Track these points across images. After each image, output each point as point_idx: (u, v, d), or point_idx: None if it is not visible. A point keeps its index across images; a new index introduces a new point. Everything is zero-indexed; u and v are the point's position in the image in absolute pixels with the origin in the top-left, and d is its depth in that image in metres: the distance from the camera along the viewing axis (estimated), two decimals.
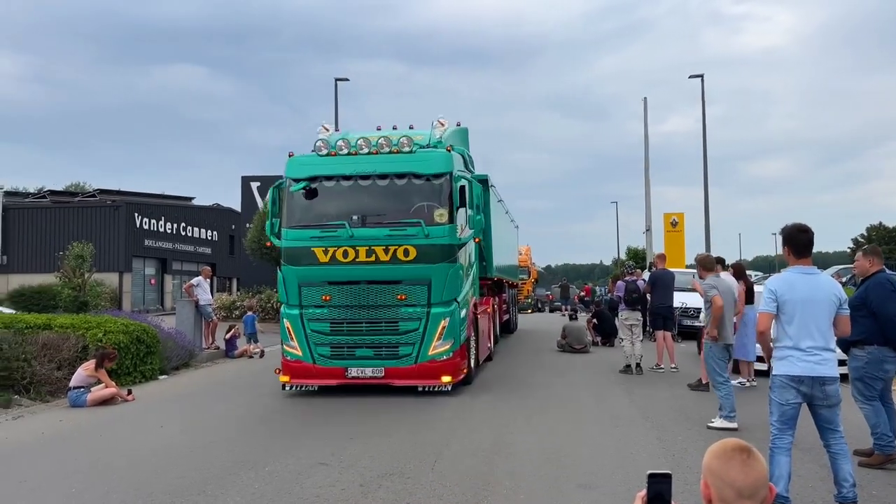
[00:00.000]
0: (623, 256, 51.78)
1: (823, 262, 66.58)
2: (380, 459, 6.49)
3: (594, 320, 17.84)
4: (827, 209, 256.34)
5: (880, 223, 63.74)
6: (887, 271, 6.72)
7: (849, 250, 57.01)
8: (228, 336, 15.86)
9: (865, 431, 7.14)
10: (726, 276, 9.54)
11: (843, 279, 29.12)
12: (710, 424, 7.62)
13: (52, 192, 43.10)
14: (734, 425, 7.52)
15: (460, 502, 5.31)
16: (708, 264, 8.97)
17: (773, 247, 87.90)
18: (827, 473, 5.90)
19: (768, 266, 68.53)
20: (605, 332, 17.11)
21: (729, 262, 12.65)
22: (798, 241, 5.07)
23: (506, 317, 18.63)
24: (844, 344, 6.46)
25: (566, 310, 31.50)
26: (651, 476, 2.05)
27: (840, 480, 4.88)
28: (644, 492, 2.06)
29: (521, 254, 37.51)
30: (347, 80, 32.17)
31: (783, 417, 4.93)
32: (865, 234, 64.15)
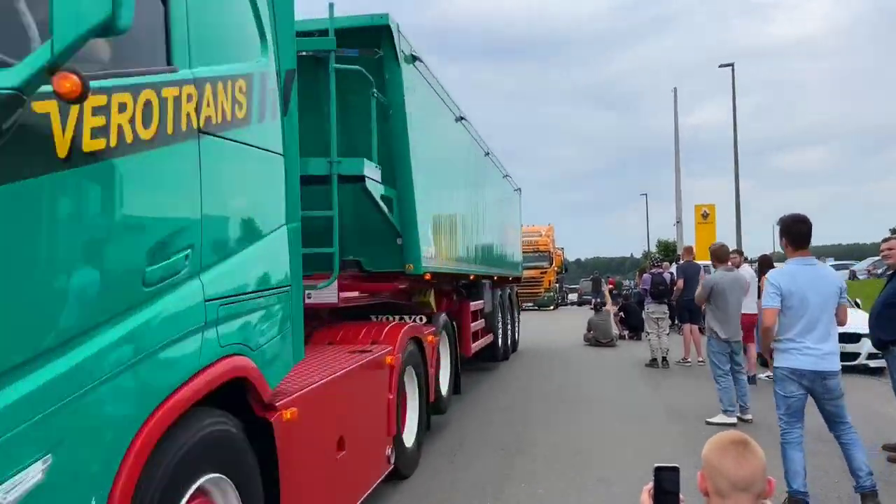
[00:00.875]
0: (654, 249, 51.26)
1: (861, 252, 65.16)
2: None
3: (621, 314, 17.70)
4: (863, 200, 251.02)
5: None
6: None
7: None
8: None
9: (894, 425, 7.01)
10: (745, 269, 9.35)
11: (879, 270, 28.56)
12: (710, 420, 7.51)
13: None
14: (733, 420, 7.42)
15: (479, 495, 5.32)
16: (721, 255, 8.45)
17: None
18: (822, 472, 5.80)
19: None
20: (633, 326, 16.96)
21: (756, 255, 12.39)
22: (796, 231, 4.97)
23: (489, 338, 11.19)
24: (880, 343, 6.21)
25: (596, 304, 31.16)
26: (658, 469, 2.04)
27: (855, 470, 4.80)
28: (651, 485, 2.05)
29: (540, 235, 33.39)
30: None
31: (790, 410, 4.87)
32: None
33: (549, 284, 33.48)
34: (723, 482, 1.98)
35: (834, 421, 4.91)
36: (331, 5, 5.31)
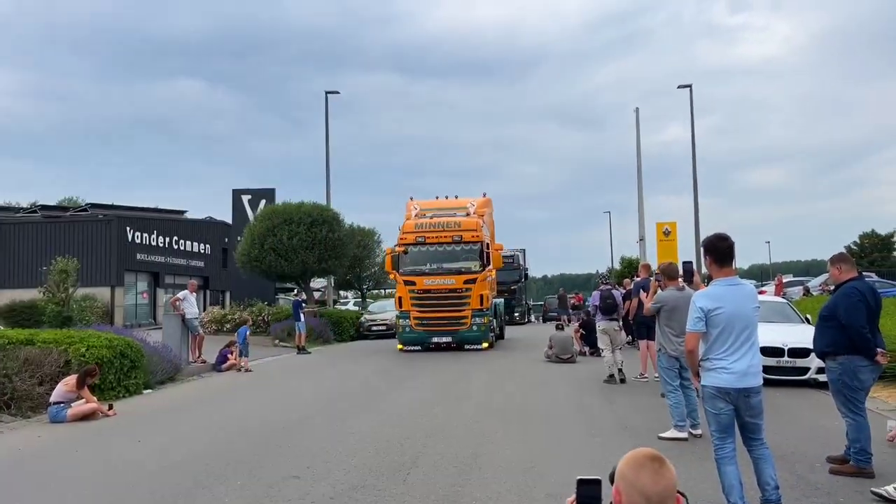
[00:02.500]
0: (617, 266, 51.83)
1: (819, 269, 66.81)
2: (353, 473, 6.49)
3: (581, 331, 17.84)
4: (822, 218, 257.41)
5: (872, 230, 63.97)
6: (864, 277, 6.65)
7: None
8: (224, 350, 15.86)
9: (840, 437, 7.18)
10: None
11: (831, 287, 29.27)
12: (661, 435, 7.61)
13: (44, 207, 43.11)
14: (684, 435, 7.53)
15: None
16: (671, 273, 8.47)
17: (766, 255, 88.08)
18: (796, 481, 5.97)
19: (762, 274, 68.61)
20: (593, 342, 17.09)
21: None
22: (719, 249, 5.08)
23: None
24: (820, 354, 6.46)
25: (563, 319, 31.40)
26: (580, 482, 2.05)
27: (763, 484, 4.93)
28: (573, 497, 2.07)
29: (467, 212, 19.90)
30: (338, 92, 32.44)
31: (720, 426, 4.96)
32: (858, 241, 64.35)
33: (486, 304, 18.79)
34: (637, 497, 2.01)
35: (749, 436, 5.02)
36: None
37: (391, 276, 20.37)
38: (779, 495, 4.90)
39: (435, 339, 18.68)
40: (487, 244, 19.32)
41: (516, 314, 35.17)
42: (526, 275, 38.40)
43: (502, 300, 25.98)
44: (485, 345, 18.83)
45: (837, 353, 6.17)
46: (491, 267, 19.57)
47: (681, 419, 7.67)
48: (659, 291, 8.74)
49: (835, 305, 6.31)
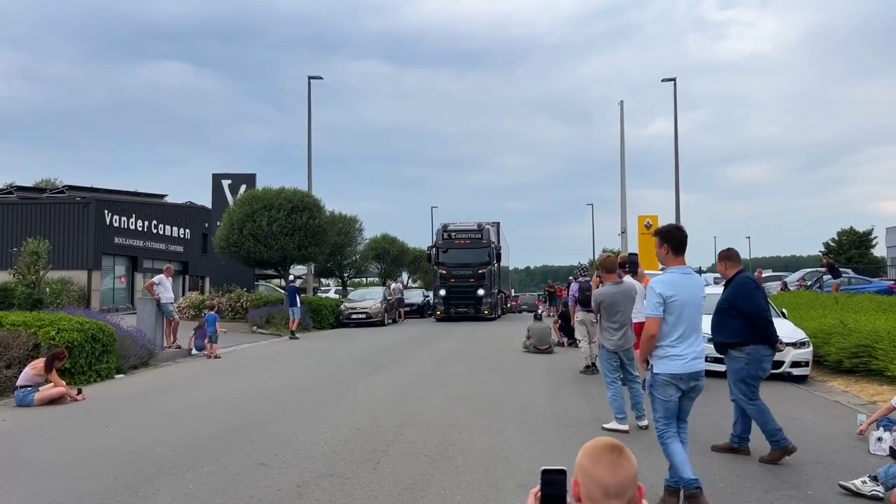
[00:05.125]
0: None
1: (797, 265, 67.45)
2: (322, 461, 6.41)
3: (560, 321, 17.86)
4: (804, 214, 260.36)
5: (851, 227, 64.69)
6: (746, 272, 6.81)
7: (820, 254, 57.76)
8: (198, 332, 15.76)
9: (720, 427, 7.28)
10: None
11: (808, 283, 29.58)
12: (605, 426, 7.62)
13: (20, 188, 42.36)
14: (624, 427, 7.52)
15: (396, 502, 5.25)
16: (608, 266, 8.20)
17: (747, 250, 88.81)
18: (765, 474, 5.97)
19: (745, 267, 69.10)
20: (571, 333, 17.12)
21: (705, 265, 12.60)
22: (677, 239, 5.21)
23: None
24: (721, 347, 6.58)
25: (552, 311, 31.32)
26: (545, 472, 2.00)
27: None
28: (537, 488, 2.01)
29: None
30: (321, 78, 32.15)
31: (667, 412, 5.12)
32: (836, 238, 65.07)
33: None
34: (595, 489, 1.96)
35: (681, 419, 5.22)
36: None
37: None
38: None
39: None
40: None
41: (483, 307, 29.53)
42: (499, 255, 31.33)
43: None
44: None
45: (745, 344, 6.33)
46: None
47: (619, 411, 7.66)
48: (597, 288, 8.68)
49: (733, 297, 6.48)
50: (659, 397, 5.11)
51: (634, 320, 8.08)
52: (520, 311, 42.48)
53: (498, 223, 33.87)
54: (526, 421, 8.20)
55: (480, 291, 29.57)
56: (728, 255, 6.78)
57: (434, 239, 32.67)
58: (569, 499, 2.02)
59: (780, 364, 11.16)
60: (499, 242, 32.69)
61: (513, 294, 50.14)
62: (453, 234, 30.54)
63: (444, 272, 29.97)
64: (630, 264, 9.49)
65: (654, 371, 5.14)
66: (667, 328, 5.05)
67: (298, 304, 21.18)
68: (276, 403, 9.48)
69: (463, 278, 29.63)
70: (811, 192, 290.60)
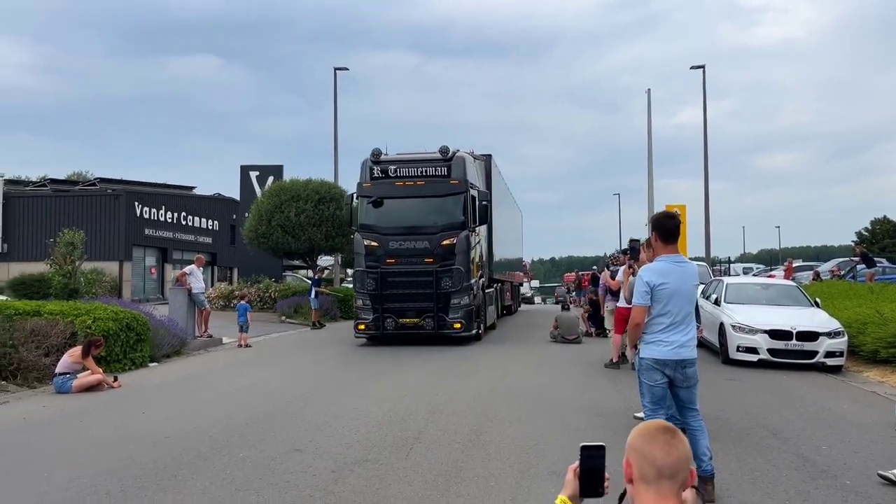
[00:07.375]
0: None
1: (828, 254, 66.35)
2: (356, 447, 6.47)
3: (590, 309, 17.79)
4: (835, 203, 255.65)
5: (885, 217, 63.36)
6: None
7: (852, 243, 56.73)
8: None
9: (847, 420, 7.12)
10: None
11: (842, 272, 29.09)
12: (636, 415, 7.55)
13: (53, 181, 43.14)
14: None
15: (430, 489, 5.29)
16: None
17: (776, 240, 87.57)
18: (802, 463, 5.91)
19: (771, 259, 68.26)
20: (600, 323, 17.06)
21: (725, 255, 12.51)
22: (666, 227, 5.17)
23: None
24: None
25: (580, 301, 31.13)
26: (584, 448, 2.05)
27: (699, 455, 4.98)
28: (577, 464, 2.05)
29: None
30: (347, 69, 32.14)
31: (654, 398, 5.13)
32: (869, 227, 63.84)
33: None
34: (649, 469, 1.96)
35: (685, 407, 5.18)
36: None
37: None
38: (713, 466, 5.02)
39: None
40: None
41: (452, 315, 14.97)
42: (485, 208, 15.94)
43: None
44: None
45: None
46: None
47: None
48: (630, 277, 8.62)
49: None
50: (646, 382, 5.15)
51: (619, 305, 8.13)
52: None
53: (489, 156, 19.60)
54: (557, 410, 8.20)
55: (446, 283, 15.06)
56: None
57: (359, 178, 16.08)
58: (607, 473, 2.05)
59: (813, 354, 11.02)
60: (489, 187, 18.23)
61: (530, 282, 46.92)
62: (392, 168, 15.81)
63: (371, 244, 15.50)
64: (631, 250, 9.45)
65: (640, 356, 5.20)
66: (655, 314, 5.06)
67: (313, 296, 21.66)
68: (305, 392, 9.59)
69: (410, 256, 15.26)
70: (842, 181, 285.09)
